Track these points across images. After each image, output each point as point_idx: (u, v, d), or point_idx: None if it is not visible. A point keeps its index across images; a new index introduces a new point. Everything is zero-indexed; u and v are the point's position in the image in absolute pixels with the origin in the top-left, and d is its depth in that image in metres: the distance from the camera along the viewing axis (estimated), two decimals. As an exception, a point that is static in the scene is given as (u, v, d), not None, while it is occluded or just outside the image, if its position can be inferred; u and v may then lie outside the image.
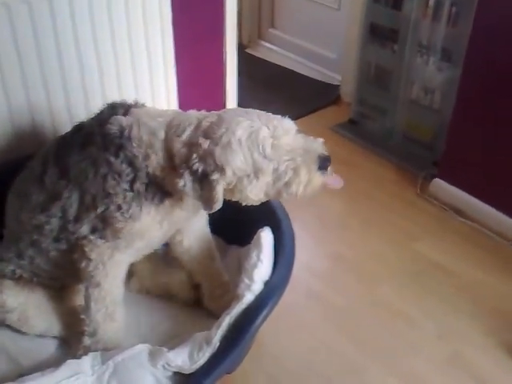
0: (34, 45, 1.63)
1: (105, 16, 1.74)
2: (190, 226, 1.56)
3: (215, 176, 1.20)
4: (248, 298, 1.38)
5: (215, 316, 1.53)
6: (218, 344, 1.32)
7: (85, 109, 1.77)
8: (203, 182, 1.22)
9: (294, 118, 2.99)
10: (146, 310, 1.64)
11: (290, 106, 2.81)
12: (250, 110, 1.27)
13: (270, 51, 3.50)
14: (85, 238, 1.34)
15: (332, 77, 3.21)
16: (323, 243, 2.12)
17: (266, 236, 1.51)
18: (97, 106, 1.39)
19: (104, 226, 1.31)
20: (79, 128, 1.39)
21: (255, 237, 1.54)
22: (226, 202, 1.64)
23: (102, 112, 1.35)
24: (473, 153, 2.17)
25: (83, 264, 1.36)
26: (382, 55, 2.58)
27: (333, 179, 1.34)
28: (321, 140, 1.29)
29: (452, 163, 2.26)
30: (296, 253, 1.50)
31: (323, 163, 1.26)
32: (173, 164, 1.25)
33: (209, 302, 1.62)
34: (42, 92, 1.71)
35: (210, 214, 1.61)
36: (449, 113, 2.28)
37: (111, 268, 1.37)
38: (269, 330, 1.63)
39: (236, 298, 1.41)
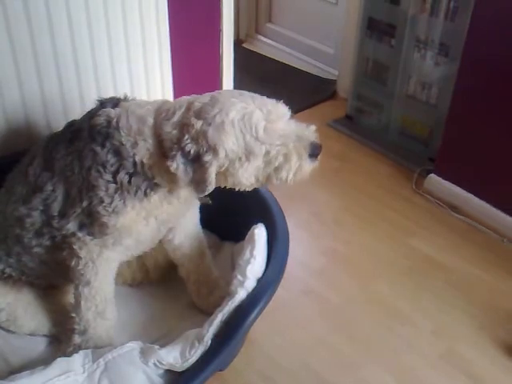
0: (29, 39, 1.61)
1: (100, 9, 1.71)
2: (182, 224, 1.55)
3: (208, 157, 1.19)
4: (241, 294, 1.38)
5: (206, 313, 1.53)
6: (209, 341, 1.31)
7: (80, 104, 1.76)
8: (196, 163, 1.20)
9: (291, 112, 2.99)
10: (138, 307, 1.63)
11: (287, 101, 2.74)
12: (244, 92, 1.26)
13: (267, 46, 3.49)
14: (73, 235, 1.32)
15: (329, 72, 3.19)
16: (318, 239, 2.11)
17: (259, 232, 1.50)
18: (92, 101, 1.38)
19: (91, 222, 1.30)
20: (70, 124, 1.38)
21: (249, 233, 1.53)
22: (221, 197, 1.66)
23: (92, 108, 1.34)
24: (469, 149, 2.16)
25: (73, 262, 1.35)
26: (379, 50, 2.56)
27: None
28: (313, 127, 1.29)
29: (448, 159, 2.25)
30: (290, 249, 1.50)
31: (314, 150, 1.26)
32: (162, 150, 1.23)
33: (197, 299, 1.62)
34: (36, 87, 1.69)
35: (203, 210, 1.60)
36: (445, 108, 2.26)
37: (101, 266, 1.36)
38: (262, 327, 1.63)
39: (228, 294, 1.41)
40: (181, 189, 1.31)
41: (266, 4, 3.48)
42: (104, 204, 1.26)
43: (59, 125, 1.47)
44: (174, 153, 1.20)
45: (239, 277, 1.42)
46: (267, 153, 1.22)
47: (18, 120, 1.70)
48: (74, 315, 1.41)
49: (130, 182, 1.26)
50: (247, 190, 1.31)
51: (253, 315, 1.33)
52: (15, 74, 1.63)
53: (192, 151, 1.19)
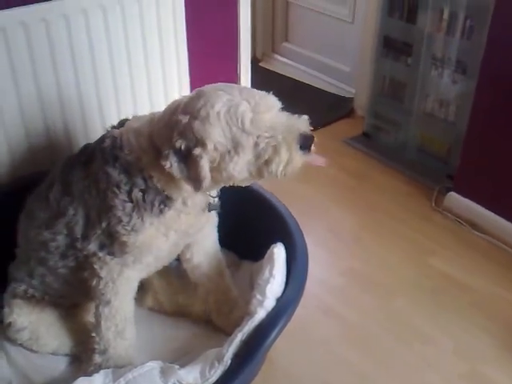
0: (50, 59, 1.65)
1: (120, 32, 1.75)
2: (200, 242, 1.56)
3: (197, 151, 1.18)
4: (260, 314, 1.37)
5: (226, 332, 1.53)
6: (229, 361, 1.30)
7: (100, 126, 1.78)
8: (188, 159, 1.19)
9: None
10: (157, 326, 1.64)
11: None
12: (231, 84, 1.25)
13: (283, 65, 3.51)
14: (94, 255, 1.34)
15: (346, 90, 3.20)
16: (336, 257, 2.10)
17: (278, 252, 1.50)
18: (112, 119, 1.40)
19: (111, 242, 1.31)
20: (85, 148, 1.41)
21: (268, 252, 1.53)
22: (239, 216, 1.67)
23: (105, 132, 1.37)
24: (488, 166, 2.14)
25: (94, 282, 1.37)
26: (395, 68, 2.57)
27: (315, 158, 1.29)
28: (305, 117, 1.25)
29: (467, 176, 2.24)
30: (309, 267, 1.49)
31: (305, 142, 1.21)
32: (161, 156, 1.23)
33: (217, 318, 1.61)
34: (57, 107, 1.72)
35: (222, 229, 1.61)
36: (464, 125, 2.25)
37: (121, 285, 1.37)
38: (281, 347, 1.62)
39: (248, 314, 1.40)
40: (192, 196, 1.31)
41: (282, 23, 3.51)
42: (123, 223, 1.28)
43: (79, 144, 1.50)
44: (166, 152, 1.20)
45: (258, 296, 1.41)
46: (256, 145, 1.19)
47: (39, 141, 1.73)
48: (94, 335, 1.42)
49: (144, 199, 1.27)
50: (242, 185, 1.30)
51: (273, 335, 1.32)
52: (37, 95, 1.67)
53: (182, 147, 1.18)
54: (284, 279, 1.47)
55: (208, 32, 2.04)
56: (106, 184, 1.28)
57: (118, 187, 1.27)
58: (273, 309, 1.39)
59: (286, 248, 1.54)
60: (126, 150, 1.27)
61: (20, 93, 1.64)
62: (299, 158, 1.22)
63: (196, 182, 1.21)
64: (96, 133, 1.71)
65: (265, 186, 1.78)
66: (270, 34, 3.59)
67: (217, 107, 1.18)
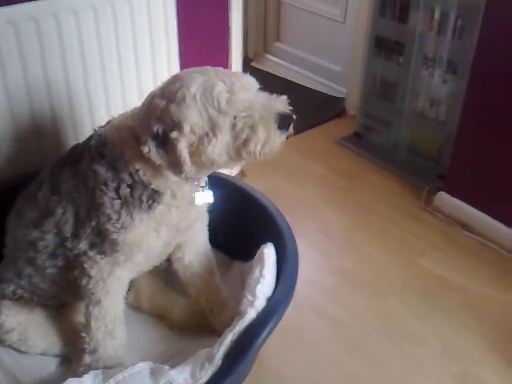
0: (40, 58, 1.64)
1: (111, 33, 1.74)
2: (191, 241, 1.55)
3: (174, 134, 1.17)
4: (251, 314, 1.37)
5: (217, 332, 1.53)
6: (220, 362, 1.30)
7: (90, 125, 1.77)
8: (166, 144, 1.19)
9: (299, 130, 3.00)
10: (148, 326, 1.63)
11: (295, 119, 2.80)
12: (208, 67, 1.24)
13: (275, 64, 3.51)
14: (85, 254, 1.33)
15: (337, 90, 3.21)
16: (327, 258, 2.11)
17: (268, 252, 1.50)
18: (101, 119, 1.40)
19: (101, 240, 1.31)
20: (74, 148, 1.41)
21: (258, 252, 1.53)
22: (230, 217, 1.67)
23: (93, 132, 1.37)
24: (478, 166, 2.15)
25: (84, 281, 1.36)
26: (387, 68, 2.57)
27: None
28: (284, 97, 1.25)
29: (457, 176, 2.25)
30: (299, 268, 1.49)
31: (283, 121, 1.20)
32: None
33: (211, 318, 1.60)
34: (47, 106, 1.71)
35: (213, 229, 1.61)
36: (454, 125, 2.26)
37: (111, 285, 1.36)
38: (272, 347, 1.62)
39: (238, 314, 1.40)
40: (181, 188, 1.31)
41: (274, 23, 3.51)
42: (112, 221, 1.27)
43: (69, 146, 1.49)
44: (145, 138, 1.19)
45: (249, 296, 1.41)
46: (233, 126, 1.19)
47: (28, 142, 1.71)
48: (84, 335, 1.41)
49: (132, 194, 1.26)
50: (224, 167, 1.30)
51: (263, 335, 1.32)
52: (26, 93, 1.65)
53: (160, 131, 1.18)
54: (274, 279, 1.47)
55: (199, 32, 2.03)
56: (93, 182, 1.28)
57: (106, 184, 1.26)
58: (263, 309, 1.38)
59: (277, 248, 1.54)
60: (110, 145, 1.27)
61: (9, 92, 1.62)
62: (278, 138, 1.21)
63: (176, 166, 1.20)
64: (86, 133, 1.69)
65: (256, 186, 1.78)
66: (261, 34, 3.58)
67: (193, 89, 1.18)
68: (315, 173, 2.57)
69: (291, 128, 1.24)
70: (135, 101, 1.85)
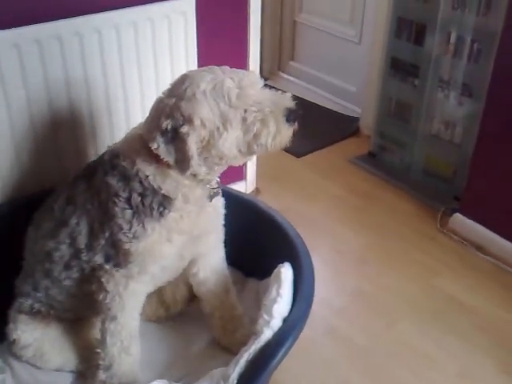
0: (63, 75, 1.66)
1: (132, 50, 1.77)
2: (207, 257, 1.56)
3: (185, 128, 1.20)
4: (267, 334, 1.36)
5: (231, 351, 1.53)
6: (235, 381, 1.29)
7: (110, 138, 1.79)
8: (175, 140, 1.21)
9: (314, 149, 3.00)
10: (163, 343, 1.63)
11: (310, 138, 2.82)
12: (213, 66, 1.29)
13: (290, 83, 3.53)
14: (101, 268, 1.34)
15: (351, 109, 3.22)
16: (342, 278, 2.10)
17: (286, 271, 1.50)
18: (121, 135, 1.43)
19: (116, 252, 1.32)
20: (88, 165, 1.44)
21: (275, 272, 1.53)
22: (246, 234, 1.68)
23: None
24: (494, 188, 2.15)
25: (100, 296, 1.37)
26: (402, 90, 2.59)
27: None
28: (289, 94, 1.29)
29: (473, 198, 2.24)
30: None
31: (291, 115, 1.26)
32: (153, 153, 1.25)
33: (222, 337, 1.60)
34: (69, 123, 1.73)
35: (228, 246, 1.61)
36: (470, 147, 2.27)
37: (128, 300, 1.37)
38: (286, 368, 1.60)
39: (254, 333, 1.40)
40: (193, 190, 1.32)
41: (289, 43, 3.55)
42: (124, 231, 1.29)
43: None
44: (153, 134, 1.22)
45: (265, 316, 1.41)
46: (244, 120, 1.23)
47: (49, 159, 1.74)
48: (99, 351, 1.41)
49: (143, 203, 1.28)
50: (233, 163, 1.32)
51: (279, 355, 1.31)
52: (49, 113, 1.68)
53: (169, 127, 1.21)
54: (291, 299, 1.47)
55: (218, 51, 2.06)
56: (106, 194, 1.31)
57: (117, 195, 1.29)
58: (279, 329, 1.38)
59: (293, 267, 1.54)
60: (121, 156, 1.31)
61: (32, 111, 1.65)
62: (286, 130, 1.26)
63: (183, 162, 1.23)
64: (104, 146, 1.71)
65: (270, 203, 1.78)
66: (277, 53, 3.62)
67: (202, 86, 1.22)
68: (330, 192, 2.57)
69: (297, 123, 1.29)
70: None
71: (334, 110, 3.27)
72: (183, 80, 1.26)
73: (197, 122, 1.20)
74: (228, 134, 1.23)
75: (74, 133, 1.75)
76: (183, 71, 1.87)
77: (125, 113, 1.83)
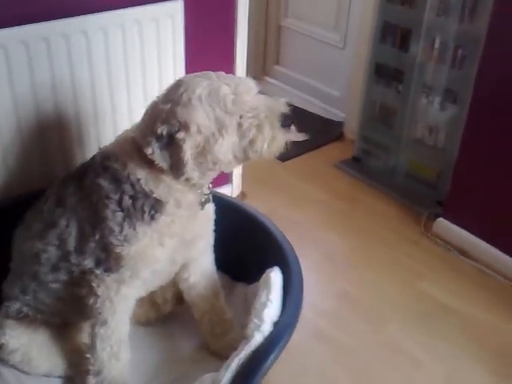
0: (50, 76, 1.65)
1: (119, 52, 1.76)
2: (197, 262, 1.56)
3: (181, 134, 1.20)
4: (257, 338, 1.36)
5: (220, 355, 1.53)
6: (226, 386, 1.29)
7: (96, 140, 1.78)
8: (170, 145, 1.21)
9: (298, 153, 3.01)
10: (152, 348, 1.62)
11: (294, 142, 2.81)
12: (209, 71, 1.29)
13: (274, 87, 3.54)
14: (91, 272, 1.33)
15: (335, 113, 3.24)
16: (328, 281, 2.11)
17: (275, 276, 1.50)
18: (108, 137, 1.42)
19: (107, 256, 1.31)
20: (81, 166, 1.43)
21: (264, 276, 1.53)
22: (234, 239, 1.67)
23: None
24: (478, 193, 2.18)
25: (91, 300, 1.35)
26: (386, 95, 2.61)
27: (296, 134, 1.33)
28: (283, 99, 1.30)
29: (457, 203, 2.27)
30: (303, 291, 1.49)
31: (286, 121, 1.26)
32: (147, 158, 1.24)
33: (211, 341, 1.60)
34: (54, 124, 1.71)
35: (215, 250, 1.61)
36: (453, 152, 2.30)
37: (118, 304, 1.36)
38: (275, 372, 1.60)
39: (244, 337, 1.40)
40: (185, 195, 1.32)
41: (274, 47, 3.56)
42: (115, 233, 1.28)
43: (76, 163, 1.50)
44: (149, 139, 1.22)
45: (256, 320, 1.41)
46: (240, 126, 1.23)
47: (35, 161, 1.72)
48: (88, 356, 1.40)
49: (134, 206, 1.27)
50: (227, 168, 1.33)
51: (270, 359, 1.31)
52: (35, 114, 1.66)
53: (164, 133, 1.20)
54: (280, 304, 1.47)
55: (205, 54, 2.06)
56: (97, 196, 1.30)
57: (108, 197, 1.28)
58: (270, 333, 1.38)
59: (282, 272, 1.54)
60: (113, 158, 1.30)
61: (18, 113, 1.63)
62: (282, 136, 1.27)
63: (177, 168, 1.23)
64: (92, 151, 1.70)
65: (255, 207, 1.78)
66: (261, 57, 3.63)
67: (198, 91, 1.22)
68: (314, 196, 2.58)
69: (292, 127, 1.29)
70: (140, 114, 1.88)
71: (318, 114, 3.29)
72: (179, 85, 1.25)
73: (193, 128, 1.20)
74: (224, 139, 1.23)
75: (60, 135, 1.73)
76: (170, 74, 1.91)
77: (111, 115, 1.82)
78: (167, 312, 1.71)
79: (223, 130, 1.22)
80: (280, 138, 1.26)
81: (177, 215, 1.33)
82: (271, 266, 1.56)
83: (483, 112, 2.09)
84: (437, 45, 2.33)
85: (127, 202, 1.27)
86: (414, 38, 2.40)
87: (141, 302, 1.61)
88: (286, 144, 1.30)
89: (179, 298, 1.68)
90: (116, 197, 1.28)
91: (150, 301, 1.67)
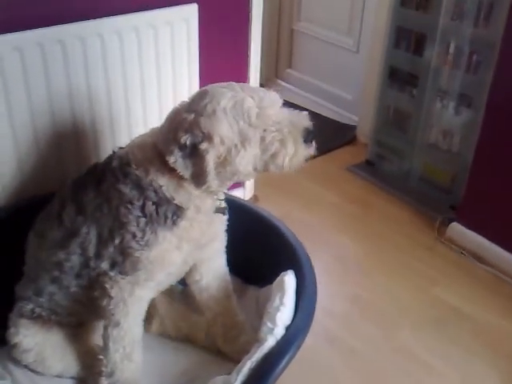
0: (65, 81, 1.66)
1: (135, 57, 1.77)
2: (209, 263, 1.56)
3: (204, 145, 1.20)
4: (270, 342, 1.36)
5: (232, 358, 1.53)
6: (238, 390, 1.29)
7: (111, 142, 1.79)
8: (193, 155, 1.22)
9: (311, 156, 2.99)
10: (165, 350, 1.62)
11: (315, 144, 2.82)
12: (233, 82, 1.29)
13: (287, 91, 3.54)
14: (105, 274, 1.33)
15: (348, 117, 3.24)
16: (340, 285, 2.10)
17: (289, 280, 1.50)
18: (122, 141, 1.41)
19: (123, 259, 1.31)
20: (94, 167, 1.42)
21: (278, 279, 1.53)
22: (246, 242, 1.67)
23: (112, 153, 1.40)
24: (493, 198, 2.16)
25: (104, 302, 1.35)
26: (400, 99, 2.60)
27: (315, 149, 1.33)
28: (306, 113, 1.30)
29: (471, 208, 2.25)
30: (316, 295, 1.49)
31: (308, 136, 1.27)
32: (167, 164, 1.25)
33: (223, 343, 1.59)
34: (70, 128, 1.72)
35: (228, 253, 1.61)
36: (467, 156, 2.28)
37: (132, 305, 1.36)
38: (286, 376, 1.59)
39: (257, 341, 1.40)
40: (204, 202, 1.33)
41: (286, 50, 3.56)
42: (137, 238, 1.28)
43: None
44: (171, 148, 1.22)
45: (269, 324, 1.40)
46: (263, 139, 1.23)
47: (51, 166, 1.73)
48: (101, 357, 1.40)
49: (157, 212, 1.28)
50: (245, 179, 1.34)
51: (283, 364, 1.31)
52: (50, 116, 1.67)
53: (188, 142, 1.21)
54: (293, 307, 1.47)
55: (219, 58, 2.06)
56: (118, 201, 1.30)
57: (131, 203, 1.28)
58: (282, 337, 1.38)
59: (295, 276, 1.54)
60: (134, 164, 1.30)
61: (34, 118, 1.64)
62: (304, 151, 1.27)
63: (200, 177, 1.23)
64: (106, 153, 1.70)
65: (270, 211, 1.78)
66: (274, 60, 3.63)
67: (223, 103, 1.22)
68: (327, 199, 2.58)
69: (314, 142, 1.30)
70: (155, 121, 1.88)
71: (331, 117, 3.28)
72: (203, 95, 1.25)
73: (216, 140, 1.21)
74: (246, 152, 1.23)
75: (76, 141, 1.74)
76: (185, 78, 1.92)
77: (126, 119, 1.83)
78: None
79: (246, 143, 1.23)
80: (301, 153, 1.27)
81: (196, 220, 1.34)
82: (284, 269, 1.56)
83: (498, 117, 2.07)
84: (451, 50, 2.32)
85: (150, 208, 1.28)
86: (429, 42, 2.39)
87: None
88: (306, 159, 1.30)
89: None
90: (139, 203, 1.28)
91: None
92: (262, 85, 3.59)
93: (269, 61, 3.62)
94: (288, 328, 1.41)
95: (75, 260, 1.36)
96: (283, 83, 3.61)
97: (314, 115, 3.48)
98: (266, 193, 2.49)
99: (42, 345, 1.47)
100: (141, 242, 1.29)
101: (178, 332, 1.65)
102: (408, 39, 2.47)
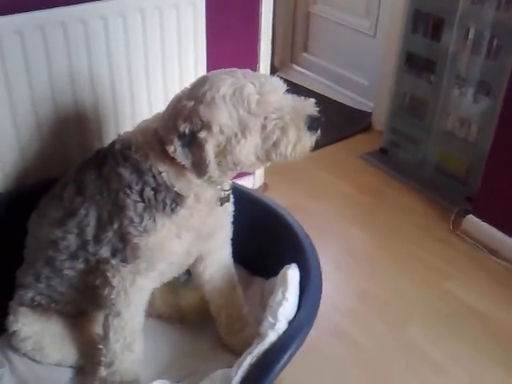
0: (67, 62, 1.62)
1: (139, 41, 1.73)
2: (214, 255, 1.53)
3: (203, 134, 1.17)
4: (271, 337, 1.33)
5: (234, 351, 1.50)
6: (238, 385, 1.26)
7: (115, 127, 1.76)
8: (192, 144, 1.18)
9: (324, 144, 2.95)
10: (165, 341, 1.59)
11: (320, 132, 2.76)
12: (235, 68, 1.24)
13: (301, 75, 3.48)
14: (107, 262, 1.31)
15: (364, 104, 3.17)
16: (349, 278, 2.06)
17: (292, 273, 1.45)
18: (127, 126, 1.39)
19: (124, 246, 1.29)
20: (97, 152, 1.41)
21: (281, 273, 1.49)
22: (253, 233, 1.63)
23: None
24: (510, 190, 2.09)
25: (105, 291, 1.33)
26: (417, 85, 2.52)
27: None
28: (312, 100, 1.24)
29: (488, 200, 2.18)
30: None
31: (313, 123, 1.21)
32: (168, 152, 1.22)
33: (227, 336, 1.57)
34: (72, 110, 1.69)
35: (234, 243, 1.58)
36: (485, 146, 2.21)
37: (133, 295, 1.34)
38: (291, 369, 1.55)
39: (258, 336, 1.36)
40: (204, 191, 1.30)
41: (302, 34, 3.49)
42: (134, 224, 1.26)
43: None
44: (171, 137, 1.19)
45: (270, 319, 1.37)
46: (263, 127, 1.19)
47: (53, 151, 1.70)
48: (101, 347, 1.38)
49: (155, 198, 1.26)
50: (249, 169, 1.29)
51: (284, 359, 1.27)
52: (52, 101, 1.63)
53: (187, 131, 1.18)
54: (297, 302, 1.43)
55: (227, 42, 2.01)
56: (117, 184, 1.28)
57: (130, 187, 1.26)
58: (284, 332, 1.35)
59: (300, 268, 1.50)
60: (134, 148, 1.28)
61: (36, 103, 1.61)
62: (308, 139, 1.22)
63: (200, 167, 1.20)
64: (110, 138, 1.67)
65: (277, 200, 1.74)
66: (289, 44, 3.56)
67: (222, 90, 1.18)
68: (338, 189, 2.52)
69: (319, 131, 1.24)
70: (161, 107, 1.84)
71: (346, 103, 3.22)
72: (203, 82, 1.21)
73: (215, 129, 1.17)
74: (246, 141, 1.19)
75: (79, 126, 1.71)
76: (191, 63, 1.87)
77: (130, 104, 1.79)
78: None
79: (246, 132, 1.18)
80: (305, 141, 1.21)
81: (196, 209, 1.31)
82: (290, 261, 1.52)
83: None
84: (471, 35, 2.24)
85: (149, 193, 1.26)
86: (447, 27, 2.30)
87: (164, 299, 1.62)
88: (311, 147, 1.24)
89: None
90: (137, 187, 1.26)
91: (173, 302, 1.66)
92: (276, 69, 3.54)
93: (284, 45, 3.56)
94: (291, 322, 1.38)
95: (71, 239, 1.34)
96: (298, 68, 3.54)
97: (328, 101, 3.46)
98: (275, 181, 2.45)
99: (40, 333, 1.46)
100: (139, 228, 1.26)
101: (169, 310, 1.64)
102: (426, 23, 2.39)
